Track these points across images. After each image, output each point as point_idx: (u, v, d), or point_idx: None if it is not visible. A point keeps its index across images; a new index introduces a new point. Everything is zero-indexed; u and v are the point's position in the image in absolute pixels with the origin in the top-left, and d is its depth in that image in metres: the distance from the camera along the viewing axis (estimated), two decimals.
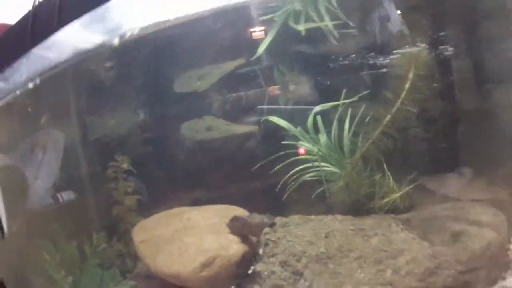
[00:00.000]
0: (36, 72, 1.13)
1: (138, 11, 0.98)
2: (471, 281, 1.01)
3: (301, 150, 1.30)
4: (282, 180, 1.23)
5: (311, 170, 1.25)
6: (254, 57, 1.34)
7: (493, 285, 1.04)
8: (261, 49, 1.31)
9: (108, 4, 0.84)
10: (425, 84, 1.11)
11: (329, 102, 1.28)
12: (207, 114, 1.54)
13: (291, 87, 1.51)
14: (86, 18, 0.85)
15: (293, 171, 1.24)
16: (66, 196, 1.40)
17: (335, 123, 1.25)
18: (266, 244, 0.99)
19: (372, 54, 1.25)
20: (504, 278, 1.07)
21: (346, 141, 1.24)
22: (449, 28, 1.27)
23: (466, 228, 1.08)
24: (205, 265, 1.02)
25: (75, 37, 0.92)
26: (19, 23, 0.99)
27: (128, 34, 1.02)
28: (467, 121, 1.34)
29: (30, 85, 1.11)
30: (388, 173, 1.20)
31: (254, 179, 1.34)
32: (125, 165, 1.40)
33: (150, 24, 1.02)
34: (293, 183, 1.23)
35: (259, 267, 0.96)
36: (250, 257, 1.04)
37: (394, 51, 1.20)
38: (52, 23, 0.83)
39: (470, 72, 1.34)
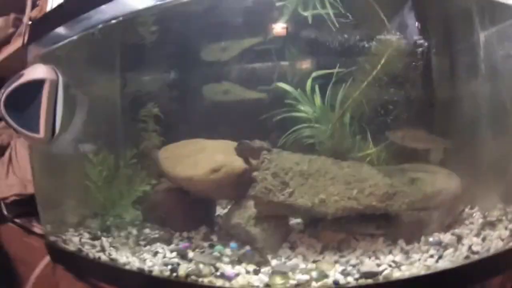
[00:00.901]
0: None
1: None
2: (424, 218, 1.27)
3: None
4: (285, 136, 1.51)
5: (307, 127, 1.55)
6: (269, 38, 1.67)
7: (446, 231, 1.28)
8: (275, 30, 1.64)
9: None
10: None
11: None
12: (226, 81, 1.86)
13: (298, 64, 1.82)
14: None
15: (293, 129, 1.53)
16: (87, 148, 1.63)
17: (329, 90, 1.55)
18: (263, 161, 1.28)
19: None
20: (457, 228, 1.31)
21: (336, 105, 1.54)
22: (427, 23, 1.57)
23: (423, 177, 1.35)
24: (213, 170, 1.33)
25: None
26: None
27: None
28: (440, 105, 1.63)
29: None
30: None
31: (260, 132, 1.64)
32: (155, 110, 1.72)
33: None
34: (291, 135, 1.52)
35: (255, 174, 1.26)
36: (251, 177, 1.32)
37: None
38: None
39: (444, 67, 1.63)
